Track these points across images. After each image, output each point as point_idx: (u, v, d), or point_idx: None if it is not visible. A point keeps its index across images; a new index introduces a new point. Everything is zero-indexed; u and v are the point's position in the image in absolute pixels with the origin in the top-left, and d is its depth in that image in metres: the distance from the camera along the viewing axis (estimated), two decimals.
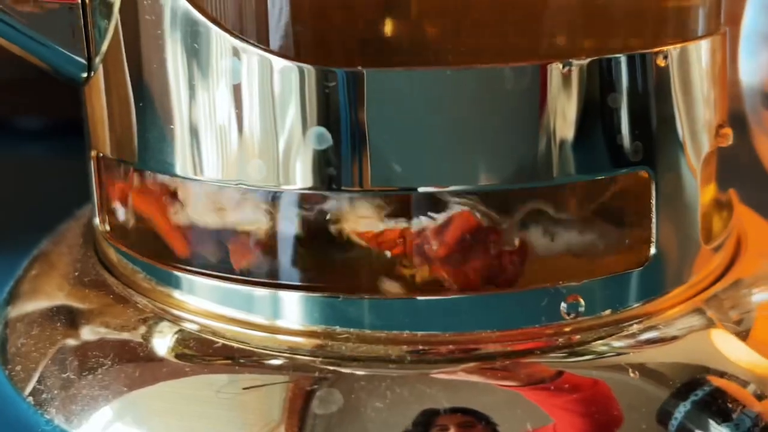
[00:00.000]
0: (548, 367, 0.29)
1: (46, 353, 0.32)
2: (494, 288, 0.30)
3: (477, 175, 0.29)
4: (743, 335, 0.31)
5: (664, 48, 0.30)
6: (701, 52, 0.31)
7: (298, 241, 0.31)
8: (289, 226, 0.31)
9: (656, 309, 0.31)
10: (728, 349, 0.31)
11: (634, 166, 0.29)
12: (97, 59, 0.32)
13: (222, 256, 0.32)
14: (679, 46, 0.30)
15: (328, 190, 0.29)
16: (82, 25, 0.32)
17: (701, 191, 0.31)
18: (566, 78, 0.28)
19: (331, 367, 0.29)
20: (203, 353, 0.30)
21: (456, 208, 0.30)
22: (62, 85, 0.34)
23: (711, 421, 0.28)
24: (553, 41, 0.29)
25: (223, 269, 0.31)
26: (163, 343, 0.31)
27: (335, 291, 0.29)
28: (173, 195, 0.32)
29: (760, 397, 0.30)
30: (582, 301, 0.29)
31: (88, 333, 0.32)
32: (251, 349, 0.30)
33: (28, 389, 0.31)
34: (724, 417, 0.29)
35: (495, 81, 0.28)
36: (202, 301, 0.31)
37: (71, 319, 0.33)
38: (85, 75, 0.33)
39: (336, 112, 0.28)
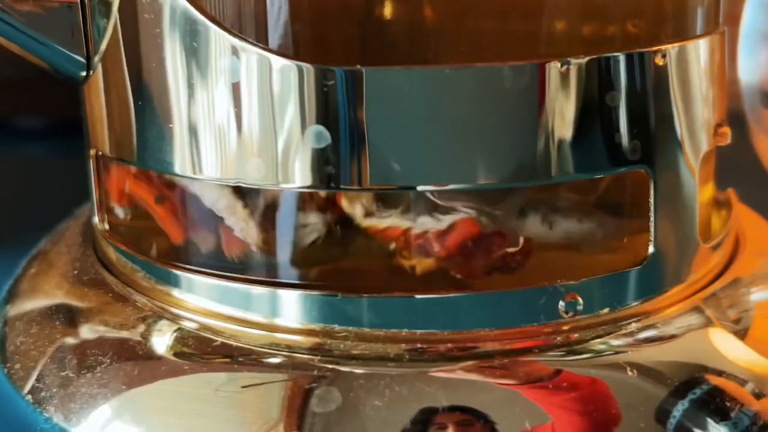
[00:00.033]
0: (546, 365, 0.29)
1: (45, 352, 0.32)
2: (496, 283, 0.30)
3: (475, 173, 0.29)
4: (741, 334, 0.31)
5: (663, 47, 0.30)
6: (700, 51, 0.31)
7: (297, 238, 0.31)
8: (287, 224, 0.31)
9: (654, 308, 0.31)
10: (726, 347, 0.31)
11: (632, 164, 0.29)
12: (96, 58, 0.32)
13: (220, 253, 0.32)
14: (677, 45, 0.30)
15: (327, 189, 0.29)
16: (81, 24, 0.32)
17: (700, 190, 0.31)
18: (565, 77, 0.28)
19: (330, 366, 0.29)
20: (202, 351, 0.30)
21: (460, 214, 0.30)
22: (62, 85, 0.34)
23: (709, 420, 0.28)
24: (552, 39, 0.29)
25: (221, 267, 0.31)
26: (162, 341, 0.31)
27: (334, 289, 0.29)
28: (172, 191, 0.32)
29: (758, 396, 0.30)
30: (580, 300, 0.29)
31: (87, 331, 0.32)
32: (250, 347, 0.30)
33: (27, 387, 0.31)
34: (722, 415, 0.29)
35: (493, 80, 0.28)
36: (201, 299, 0.31)
37: (70, 317, 0.33)
38: (84, 74, 0.33)
39: (335, 110, 0.28)
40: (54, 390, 0.31)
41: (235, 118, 0.29)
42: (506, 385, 0.28)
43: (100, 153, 0.34)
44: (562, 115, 0.28)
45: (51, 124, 0.61)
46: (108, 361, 0.30)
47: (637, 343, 0.30)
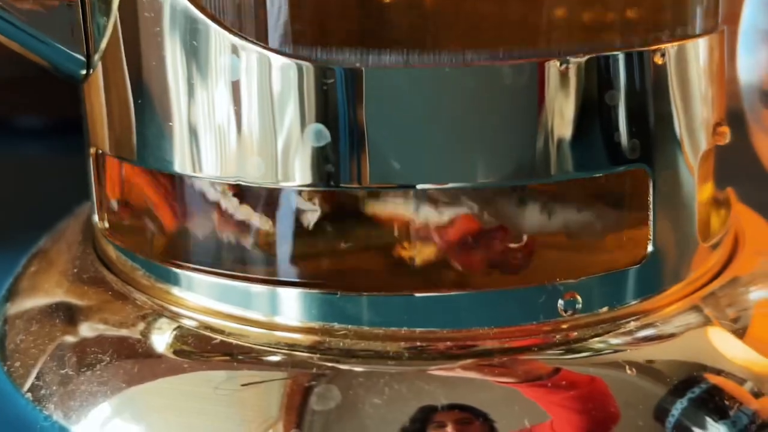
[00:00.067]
0: (545, 364, 0.29)
1: (45, 349, 0.32)
2: (495, 282, 0.30)
3: (475, 172, 0.29)
4: (740, 333, 0.31)
5: (662, 46, 0.30)
6: (699, 50, 0.31)
7: (297, 236, 0.31)
8: (287, 222, 0.31)
9: (653, 306, 0.31)
10: (725, 346, 0.31)
11: (631, 163, 0.30)
12: (96, 57, 0.32)
13: (220, 251, 0.32)
14: (676, 43, 0.30)
15: (326, 187, 0.29)
16: (81, 22, 0.32)
17: (699, 189, 0.31)
18: (564, 75, 0.28)
19: (329, 364, 0.29)
20: (202, 350, 0.30)
21: (460, 210, 0.30)
22: (61, 84, 0.35)
23: (708, 419, 0.28)
24: (550, 36, 0.29)
25: (221, 266, 0.31)
26: (161, 339, 0.31)
27: (333, 288, 0.29)
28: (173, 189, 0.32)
29: (757, 395, 0.30)
30: (579, 299, 0.29)
31: (86, 329, 0.32)
32: (250, 345, 0.30)
33: (27, 385, 0.31)
34: (721, 414, 0.29)
35: (493, 78, 0.28)
36: (201, 297, 0.31)
37: (70, 315, 0.33)
38: (84, 72, 0.33)
39: (334, 109, 0.28)
40: (54, 388, 0.31)
41: (235, 116, 0.29)
42: (505, 383, 0.28)
43: (100, 151, 0.34)
44: (562, 113, 0.28)
45: (51, 123, 0.61)
46: (108, 359, 0.30)
47: (635, 341, 0.30)
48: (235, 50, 0.29)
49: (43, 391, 0.31)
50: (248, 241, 0.31)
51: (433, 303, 0.29)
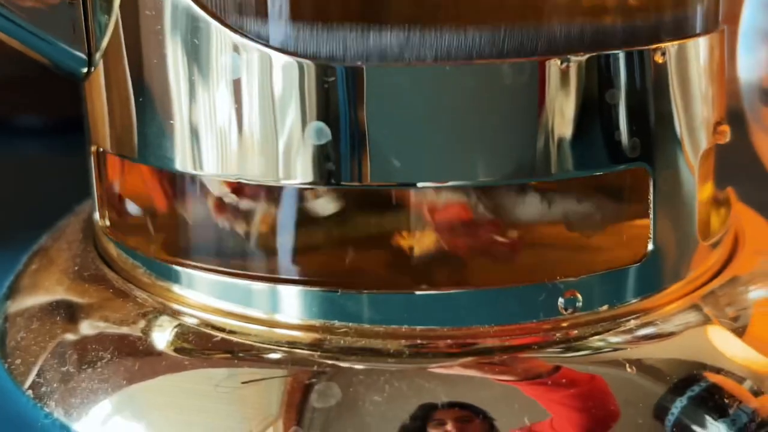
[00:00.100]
0: (546, 362, 0.29)
1: (46, 347, 0.32)
2: (495, 279, 0.30)
3: (475, 170, 0.29)
4: (740, 332, 0.31)
5: (662, 45, 0.30)
6: (699, 49, 0.31)
7: (297, 234, 0.31)
8: (287, 220, 0.31)
9: (653, 305, 0.31)
10: (725, 345, 0.31)
11: (632, 162, 0.30)
12: (98, 55, 0.32)
13: (221, 249, 0.32)
14: (677, 43, 0.30)
15: (327, 185, 0.29)
16: (83, 20, 0.32)
17: (699, 188, 0.31)
18: (564, 74, 0.28)
19: (330, 361, 0.29)
20: (202, 347, 0.30)
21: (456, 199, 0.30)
22: (61, 84, 0.35)
23: (707, 417, 0.28)
24: (551, 34, 0.29)
25: (222, 263, 0.31)
26: (162, 337, 0.31)
27: (334, 285, 0.29)
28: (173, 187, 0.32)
29: (756, 393, 0.30)
30: (579, 297, 0.29)
31: (87, 327, 0.32)
32: (250, 343, 0.30)
33: (28, 383, 0.31)
34: (720, 413, 0.29)
35: (493, 77, 0.28)
36: (202, 295, 0.31)
37: (71, 313, 0.33)
38: (85, 70, 0.33)
39: (335, 107, 0.28)
40: (55, 385, 0.31)
41: (236, 114, 0.29)
42: (505, 381, 0.28)
43: (101, 149, 0.34)
44: (562, 112, 0.28)
45: (50, 122, 0.61)
46: (108, 356, 0.31)
47: (635, 340, 0.30)
48: (236, 48, 0.29)
49: (44, 389, 0.31)
50: (249, 239, 0.32)
51: (434, 301, 0.29)
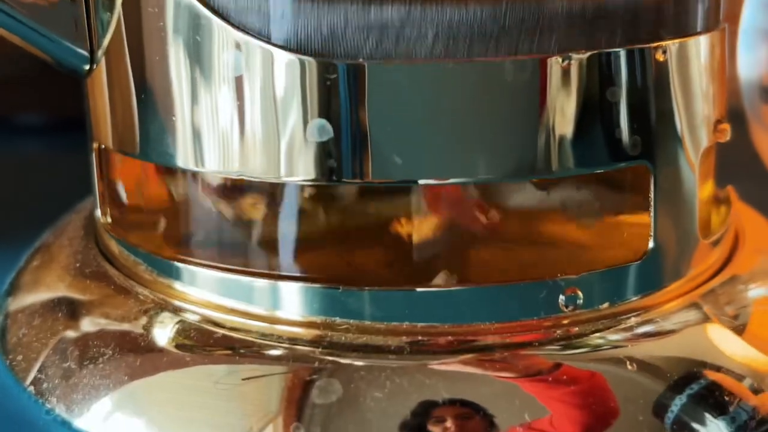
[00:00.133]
0: (546, 359, 0.29)
1: (48, 343, 0.32)
2: (496, 276, 0.30)
3: (476, 167, 0.29)
4: (739, 330, 0.31)
5: (663, 43, 0.30)
6: (700, 47, 0.31)
7: (299, 231, 0.31)
8: (289, 217, 0.31)
9: (654, 303, 0.31)
10: (724, 343, 0.31)
11: (633, 159, 0.30)
12: (100, 52, 0.32)
13: (222, 246, 0.32)
14: (678, 41, 0.30)
15: (329, 182, 0.29)
16: (85, 17, 0.32)
17: (699, 186, 0.31)
18: (566, 72, 0.28)
19: (331, 358, 0.29)
20: (204, 343, 0.30)
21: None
22: (61, 83, 0.35)
23: (707, 415, 0.29)
24: (553, 9, 0.29)
25: (223, 260, 0.31)
26: (163, 333, 0.31)
27: (335, 282, 0.29)
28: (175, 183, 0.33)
29: (756, 391, 0.30)
30: (580, 294, 0.30)
31: (89, 323, 0.32)
32: (251, 339, 0.30)
33: (30, 379, 0.32)
34: (720, 410, 0.29)
35: (495, 74, 0.28)
36: (203, 291, 0.31)
37: (72, 310, 0.33)
38: (87, 68, 0.33)
39: (337, 104, 0.28)
40: (56, 381, 0.31)
41: (238, 111, 0.29)
42: (506, 378, 0.28)
43: (103, 146, 0.34)
44: (563, 109, 0.29)
45: (51, 121, 0.61)
46: (110, 352, 0.31)
47: (636, 337, 0.30)
48: (238, 45, 0.29)
49: (45, 385, 0.31)
50: (250, 236, 0.32)
51: (435, 298, 0.29)
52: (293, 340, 0.29)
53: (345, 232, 0.32)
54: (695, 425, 0.28)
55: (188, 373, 0.30)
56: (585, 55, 0.28)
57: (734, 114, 0.36)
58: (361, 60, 0.28)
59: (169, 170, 0.32)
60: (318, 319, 0.30)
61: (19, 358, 0.32)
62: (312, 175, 0.29)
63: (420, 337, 0.29)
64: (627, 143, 0.29)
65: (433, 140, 0.28)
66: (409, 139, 0.28)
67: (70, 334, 0.32)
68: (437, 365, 0.29)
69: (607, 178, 0.32)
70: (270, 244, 0.31)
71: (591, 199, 0.32)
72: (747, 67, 0.40)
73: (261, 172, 0.29)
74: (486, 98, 0.28)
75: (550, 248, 0.32)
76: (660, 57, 0.30)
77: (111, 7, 0.31)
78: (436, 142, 0.28)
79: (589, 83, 0.29)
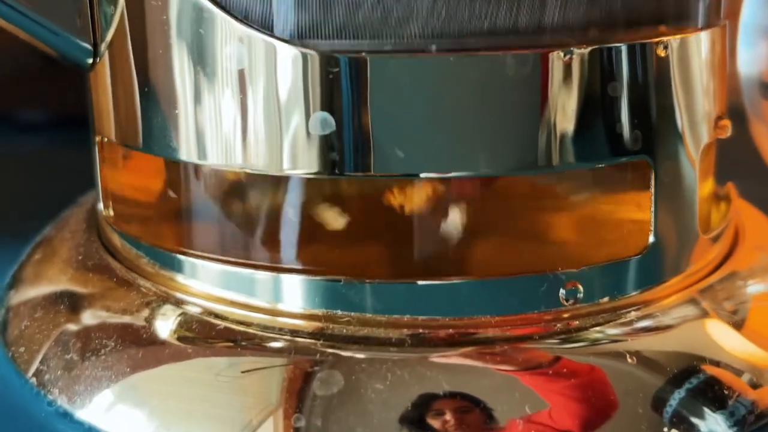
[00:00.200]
0: (546, 352, 0.29)
1: (50, 335, 0.32)
2: (497, 269, 0.30)
3: (478, 162, 0.29)
4: (738, 325, 0.31)
5: (665, 38, 0.30)
6: (701, 43, 0.31)
7: (301, 224, 0.31)
8: (291, 210, 0.31)
9: (653, 297, 0.31)
10: (723, 338, 0.31)
11: (633, 154, 0.30)
12: (103, 45, 0.32)
13: (224, 238, 0.32)
14: (679, 36, 0.30)
15: (331, 175, 0.29)
16: (88, 11, 0.32)
17: (700, 182, 0.32)
18: (567, 66, 0.28)
19: (332, 350, 0.29)
20: (205, 336, 0.30)
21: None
22: (63, 79, 0.35)
23: (706, 409, 0.29)
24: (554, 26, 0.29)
25: (225, 253, 0.31)
26: (165, 325, 0.31)
27: (337, 275, 0.30)
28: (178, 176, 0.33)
29: (754, 386, 0.30)
30: (581, 288, 0.30)
31: (91, 316, 0.32)
32: (253, 331, 0.30)
33: (32, 370, 0.32)
34: (719, 404, 0.29)
35: (497, 68, 0.28)
36: (205, 284, 0.31)
37: (74, 302, 0.33)
38: (90, 61, 0.33)
39: (339, 97, 0.28)
40: (58, 373, 0.31)
41: (241, 104, 0.29)
42: (505, 371, 0.29)
43: (106, 139, 0.34)
44: (564, 104, 0.29)
45: (52, 117, 0.61)
46: (112, 344, 0.31)
47: (635, 332, 0.30)
48: (241, 39, 0.29)
49: (47, 376, 0.31)
50: (252, 229, 0.32)
51: (436, 291, 0.29)
52: (295, 333, 0.30)
53: (347, 225, 0.31)
54: (694, 419, 0.28)
55: (190, 365, 0.30)
56: (586, 50, 0.29)
57: (735, 111, 0.36)
58: (363, 53, 0.28)
59: (171, 163, 0.32)
60: (319, 311, 0.30)
61: (21, 350, 0.33)
62: (314, 168, 0.29)
63: (421, 330, 0.29)
64: (628, 138, 0.29)
65: (434, 134, 0.28)
66: (410, 133, 0.28)
67: (72, 326, 0.32)
68: (438, 358, 0.29)
69: (608, 172, 0.32)
70: (272, 237, 0.31)
71: (592, 193, 0.32)
72: (747, 63, 0.40)
73: (263, 166, 0.29)
74: (487, 92, 0.28)
75: (551, 242, 0.32)
76: (661, 52, 0.30)
77: (114, 1, 0.31)
78: (438, 136, 0.28)
79: (591, 78, 0.29)
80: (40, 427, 0.30)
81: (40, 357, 0.32)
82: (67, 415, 0.30)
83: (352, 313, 0.29)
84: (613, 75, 0.29)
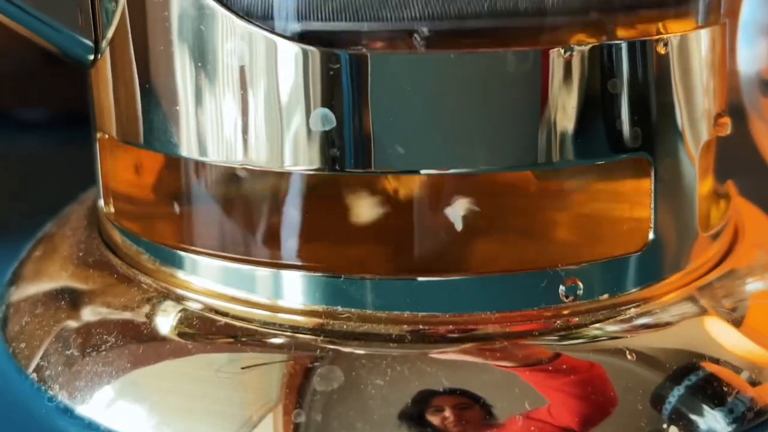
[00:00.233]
0: (546, 349, 0.29)
1: (50, 331, 0.32)
2: (497, 266, 0.30)
3: (478, 158, 0.29)
4: (737, 323, 0.32)
5: (665, 36, 0.30)
6: (701, 40, 0.31)
7: (301, 220, 0.31)
8: (292, 206, 0.31)
9: (653, 294, 0.31)
10: (722, 336, 0.31)
11: (633, 151, 0.30)
12: (104, 42, 0.32)
13: (225, 235, 0.32)
14: (679, 34, 0.30)
15: (331, 172, 0.29)
16: (90, 7, 0.32)
17: (699, 179, 0.32)
18: (567, 63, 0.28)
19: (332, 346, 0.29)
20: (206, 332, 0.30)
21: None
22: (63, 78, 0.35)
23: (705, 406, 0.29)
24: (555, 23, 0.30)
25: (226, 249, 0.32)
26: (166, 321, 0.31)
27: (337, 271, 0.30)
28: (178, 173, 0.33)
29: (753, 383, 0.30)
30: (580, 285, 0.30)
31: (92, 312, 0.32)
32: (253, 327, 0.30)
33: (32, 366, 0.32)
34: (717, 401, 0.29)
35: (497, 65, 0.28)
36: (206, 280, 0.31)
37: (75, 298, 0.33)
38: (92, 58, 0.33)
39: (340, 94, 0.28)
40: (59, 369, 0.31)
41: (241, 101, 0.29)
42: (505, 367, 0.29)
43: (107, 136, 0.34)
44: (565, 101, 0.29)
45: (52, 116, 0.61)
46: (113, 340, 0.31)
47: (635, 329, 0.30)
48: (242, 35, 0.29)
49: (48, 372, 0.31)
50: (253, 225, 0.32)
51: (436, 287, 0.29)
52: (295, 329, 0.30)
53: (347, 221, 0.32)
54: (693, 416, 0.28)
55: (190, 361, 0.30)
56: (587, 47, 0.29)
57: (734, 109, 0.36)
58: (363, 50, 0.28)
59: (172, 160, 0.33)
60: (320, 307, 0.30)
61: (22, 345, 0.33)
62: (315, 164, 0.29)
63: (421, 326, 0.29)
64: (628, 135, 0.30)
65: (435, 130, 0.29)
66: (411, 129, 0.28)
67: (73, 322, 0.32)
68: (438, 354, 0.29)
69: (608, 169, 0.32)
70: (272, 233, 0.31)
71: (591, 190, 0.32)
72: (747, 62, 0.40)
73: (264, 162, 0.29)
74: (488, 89, 0.28)
75: (551, 239, 0.32)
76: (661, 50, 0.30)
77: None
78: (438, 133, 0.29)
79: (591, 75, 0.29)
80: (41, 422, 0.30)
81: (40, 353, 0.32)
82: (67, 411, 0.30)
83: (353, 309, 0.29)
84: (613, 72, 0.29)
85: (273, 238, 0.31)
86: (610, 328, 0.30)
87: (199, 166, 0.32)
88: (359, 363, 0.28)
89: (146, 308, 0.31)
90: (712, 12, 0.32)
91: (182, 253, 0.32)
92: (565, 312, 0.30)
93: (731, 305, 0.32)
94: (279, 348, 0.29)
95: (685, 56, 0.30)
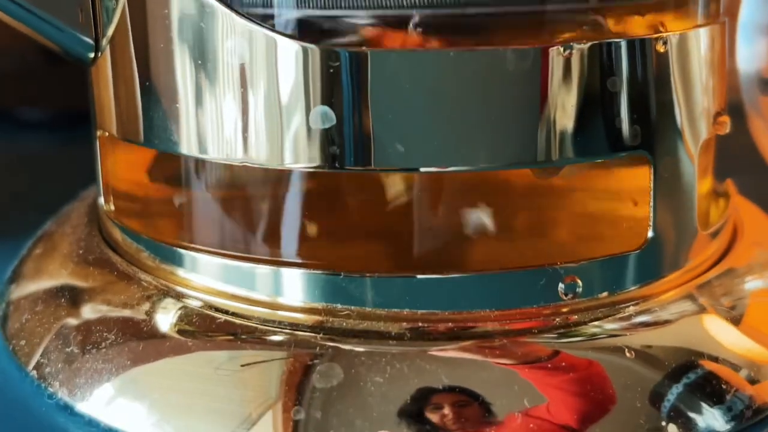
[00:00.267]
0: (545, 346, 0.29)
1: (50, 329, 0.32)
2: (496, 263, 0.30)
3: (478, 156, 0.29)
4: (736, 321, 0.32)
5: (664, 34, 0.30)
6: (700, 39, 0.31)
7: (301, 218, 0.31)
8: (291, 204, 0.31)
9: (652, 292, 0.31)
10: (721, 334, 0.31)
11: (632, 149, 0.30)
12: (105, 40, 0.33)
13: (224, 232, 0.32)
14: (678, 32, 0.30)
15: (331, 169, 0.29)
16: (90, 5, 0.32)
17: (699, 177, 0.32)
18: (567, 61, 0.29)
19: (332, 343, 0.29)
20: (206, 329, 0.30)
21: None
22: (63, 77, 0.35)
23: (703, 404, 0.29)
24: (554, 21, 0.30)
25: (225, 247, 0.32)
26: (166, 319, 0.31)
27: (337, 268, 0.30)
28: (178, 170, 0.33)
29: (752, 381, 0.30)
30: (580, 282, 0.30)
31: (92, 309, 0.32)
32: (253, 325, 0.30)
33: (32, 363, 0.32)
34: (716, 399, 0.29)
35: (497, 63, 0.28)
36: (206, 278, 0.31)
37: (75, 296, 0.33)
38: (92, 56, 0.33)
39: (340, 92, 0.28)
40: (59, 366, 0.31)
41: (241, 98, 0.29)
42: (504, 364, 0.29)
43: (107, 134, 0.34)
44: (564, 99, 0.29)
45: (52, 115, 0.61)
46: (113, 338, 0.31)
47: (634, 326, 0.30)
48: (242, 33, 0.29)
49: (48, 369, 0.31)
50: (253, 223, 0.32)
51: (435, 285, 0.29)
52: (294, 326, 0.30)
53: (347, 219, 0.32)
54: (691, 414, 0.28)
55: (190, 358, 0.30)
56: (586, 45, 0.29)
57: (734, 108, 0.36)
58: (363, 48, 0.28)
59: (172, 157, 0.33)
60: (319, 305, 0.30)
61: (22, 343, 0.33)
62: (315, 162, 0.29)
63: (420, 324, 0.29)
64: (627, 133, 0.30)
65: (434, 128, 0.29)
66: (411, 127, 0.28)
67: (73, 319, 0.32)
68: (437, 351, 0.29)
69: (608, 167, 0.32)
70: (272, 231, 0.31)
71: (591, 188, 0.32)
72: (746, 60, 0.40)
73: (264, 160, 0.29)
74: (487, 87, 0.28)
75: (550, 236, 0.32)
76: (660, 48, 0.30)
77: None
78: (438, 131, 0.29)
79: (590, 73, 0.29)
80: (41, 419, 0.30)
81: (40, 350, 0.32)
82: (67, 408, 0.30)
83: (352, 307, 0.30)
84: (612, 70, 0.29)
85: (273, 236, 0.31)
86: (609, 325, 0.30)
87: (199, 163, 0.32)
88: (359, 360, 0.28)
89: (146, 306, 0.31)
90: (711, 10, 0.32)
91: (182, 251, 0.32)
92: (564, 310, 0.30)
93: (730, 303, 0.32)
94: (279, 345, 0.29)
95: (684, 55, 0.30)
